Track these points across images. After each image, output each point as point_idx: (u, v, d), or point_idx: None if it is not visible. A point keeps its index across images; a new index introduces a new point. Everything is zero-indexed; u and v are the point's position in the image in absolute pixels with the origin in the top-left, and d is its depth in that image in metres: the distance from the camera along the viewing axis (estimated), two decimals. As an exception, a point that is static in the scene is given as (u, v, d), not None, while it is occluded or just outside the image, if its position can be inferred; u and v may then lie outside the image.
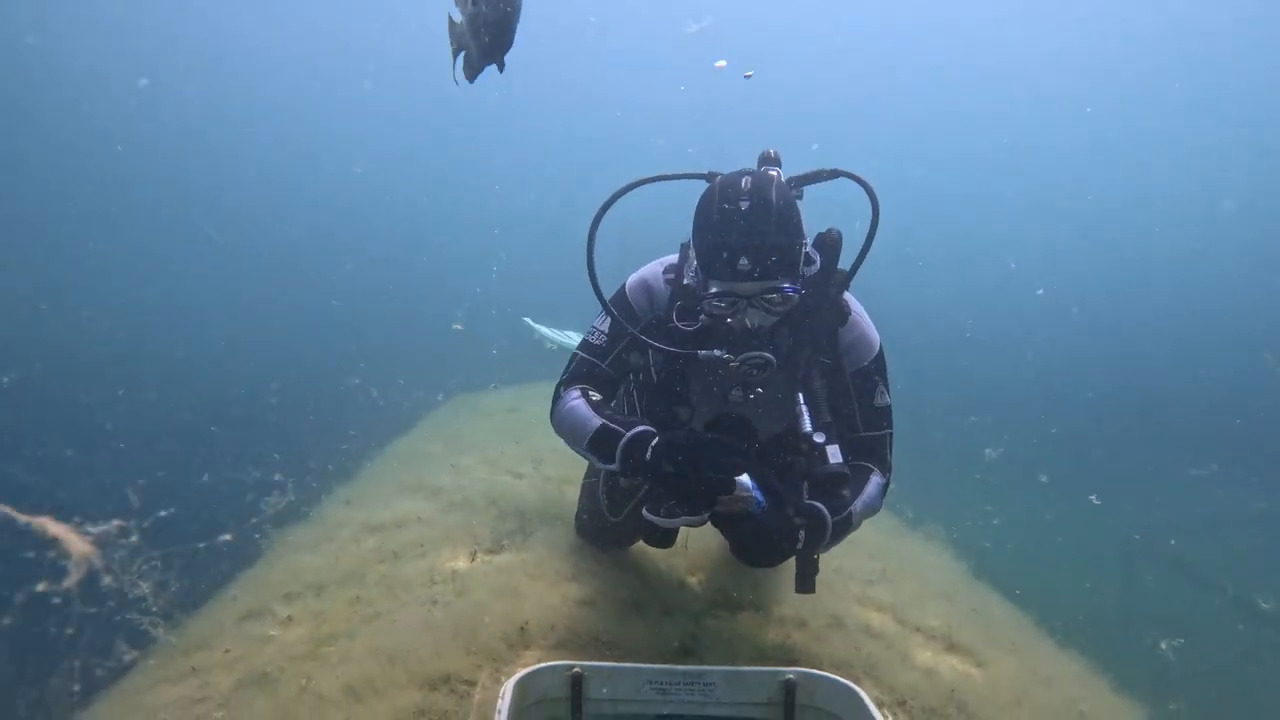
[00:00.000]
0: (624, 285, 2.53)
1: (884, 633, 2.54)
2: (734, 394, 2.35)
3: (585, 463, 3.32)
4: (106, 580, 2.02)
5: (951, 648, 2.54)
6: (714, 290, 2.11)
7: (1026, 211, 26.15)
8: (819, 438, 2.19)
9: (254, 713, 1.82)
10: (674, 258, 2.49)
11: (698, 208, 2.19)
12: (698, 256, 2.18)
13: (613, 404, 2.63)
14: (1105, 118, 24.63)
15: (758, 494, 2.00)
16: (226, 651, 2.17)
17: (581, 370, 2.53)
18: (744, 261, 2.02)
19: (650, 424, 2.23)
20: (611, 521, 2.82)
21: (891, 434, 2.44)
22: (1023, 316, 20.57)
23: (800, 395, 2.26)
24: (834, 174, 2.32)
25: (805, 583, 2.29)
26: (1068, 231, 25.19)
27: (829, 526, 2.13)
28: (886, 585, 2.96)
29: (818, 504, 2.14)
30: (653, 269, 2.50)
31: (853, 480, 2.25)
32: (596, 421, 2.26)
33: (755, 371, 2.17)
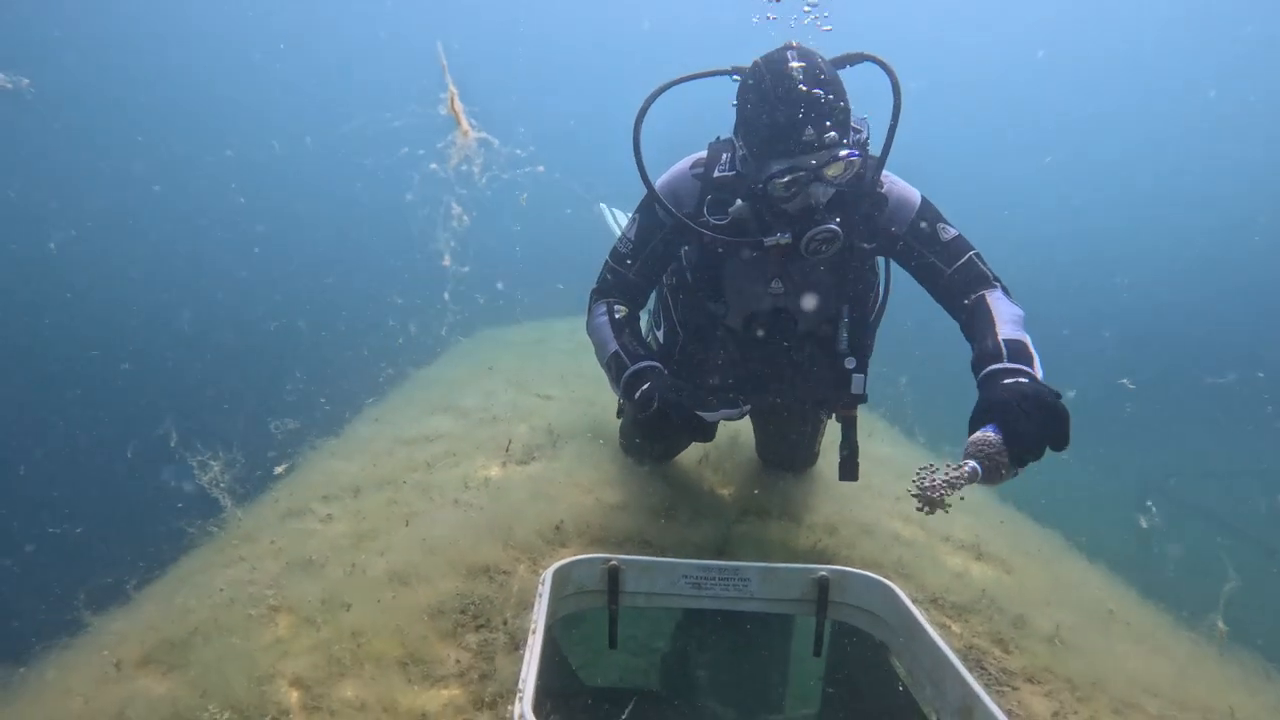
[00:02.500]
0: (650, 199, 2.49)
1: (913, 541, 2.56)
2: (774, 285, 2.32)
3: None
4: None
5: (980, 556, 2.56)
6: (777, 169, 2.05)
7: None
8: (849, 363, 2.27)
9: (303, 591, 1.88)
10: (702, 154, 2.43)
11: (745, 92, 2.14)
12: (755, 138, 2.11)
13: (645, 310, 2.66)
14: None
15: (990, 430, 1.73)
16: (272, 543, 2.23)
17: (609, 280, 2.54)
18: (809, 131, 1.99)
19: (658, 356, 2.32)
20: None
21: (977, 251, 2.27)
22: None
23: (845, 308, 2.28)
24: (859, 58, 2.25)
25: (849, 470, 2.34)
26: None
27: (1035, 364, 1.93)
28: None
29: (1009, 365, 1.91)
30: (679, 169, 2.44)
31: (982, 314, 2.09)
32: (613, 346, 2.36)
33: (823, 248, 2.11)
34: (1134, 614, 2.31)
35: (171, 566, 2.27)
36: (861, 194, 2.23)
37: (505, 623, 1.81)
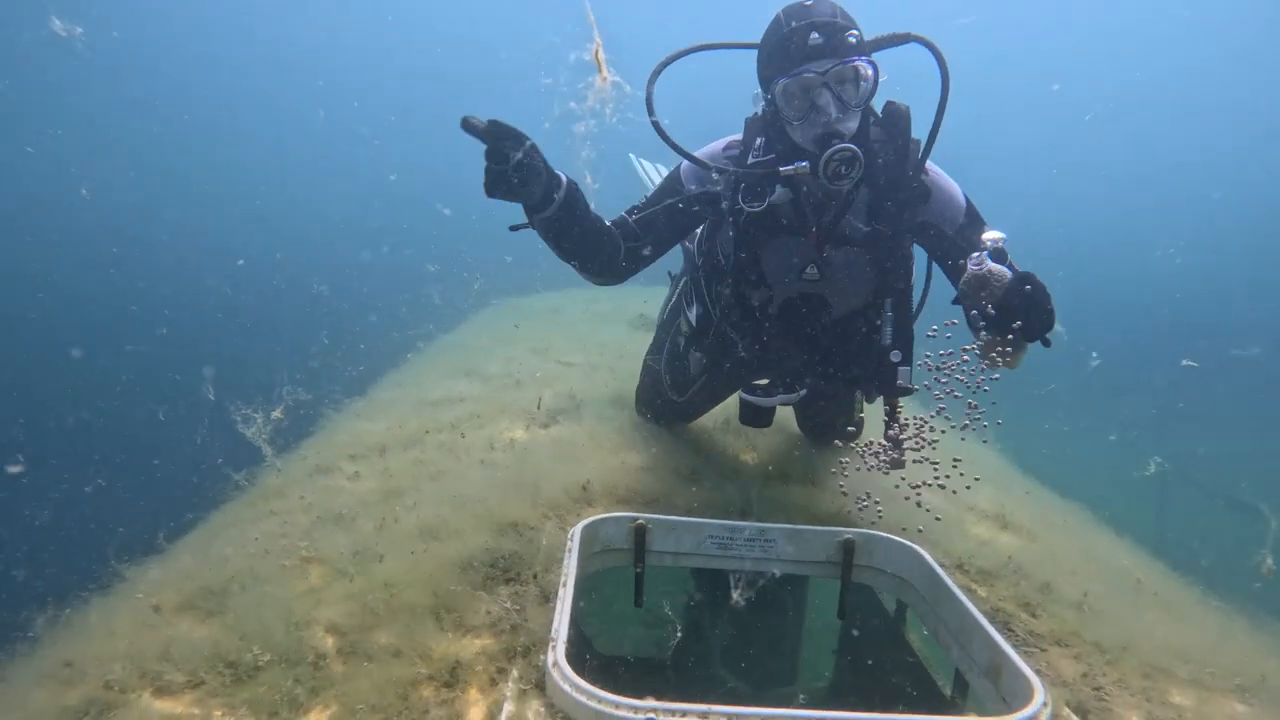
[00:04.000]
0: (678, 166, 2.45)
1: (939, 509, 2.55)
2: (809, 271, 2.29)
3: (635, 350, 3.34)
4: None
5: (1006, 526, 2.55)
6: (785, 81, 2.07)
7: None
8: (895, 356, 2.25)
9: (335, 544, 1.90)
10: (737, 136, 2.39)
11: (763, 37, 2.18)
12: (770, 62, 2.14)
13: (677, 283, 2.66)
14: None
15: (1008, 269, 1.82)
16: (302, 498, 2.26)
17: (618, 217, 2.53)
18: (815, 36, 2.02)
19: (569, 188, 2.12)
20: (675, 400, 2.85)
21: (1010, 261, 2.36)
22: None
23: (888, 301, 2.25)
24: (905, 38, 2.19)
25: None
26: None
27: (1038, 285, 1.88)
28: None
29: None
30: (713, 149, 2.40)
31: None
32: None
33: (843, 169, 2.07)
34: (1162, 585, 2.30)
35: (201, 521, 2.31)
36: (903, 178, 2.19)
37: (535, 577, 1.82)
